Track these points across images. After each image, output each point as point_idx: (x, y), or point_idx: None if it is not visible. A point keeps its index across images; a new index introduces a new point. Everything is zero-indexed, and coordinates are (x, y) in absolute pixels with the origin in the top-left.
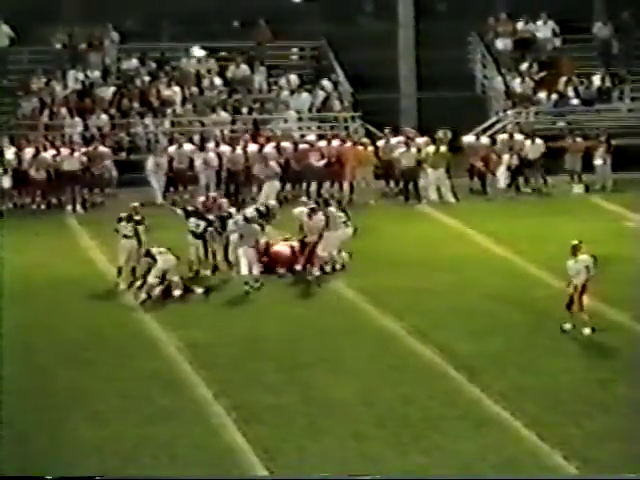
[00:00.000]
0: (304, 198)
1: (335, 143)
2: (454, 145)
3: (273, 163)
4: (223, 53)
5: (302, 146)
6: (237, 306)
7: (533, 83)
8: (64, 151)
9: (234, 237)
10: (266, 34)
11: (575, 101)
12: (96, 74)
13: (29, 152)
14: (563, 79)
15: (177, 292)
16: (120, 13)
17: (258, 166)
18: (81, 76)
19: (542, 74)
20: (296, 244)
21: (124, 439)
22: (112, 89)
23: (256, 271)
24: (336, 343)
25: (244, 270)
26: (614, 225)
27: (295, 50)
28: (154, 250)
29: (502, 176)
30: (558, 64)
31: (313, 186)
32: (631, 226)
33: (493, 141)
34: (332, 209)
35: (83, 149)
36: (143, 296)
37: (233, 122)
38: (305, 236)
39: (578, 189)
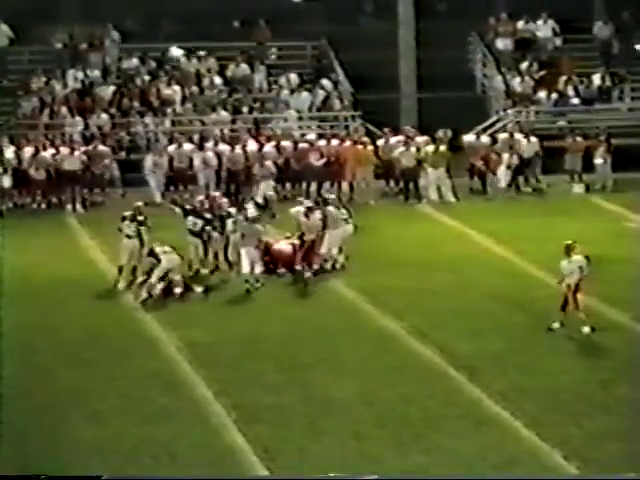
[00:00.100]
0: (301, 197)
1: (334, 142)
2: (454, 144)
3: (269, 163)
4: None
5: (302, 145)
6: (237, 306)
7: (533, 82)
8: (64, 150)
9: (234, 237)
10: (266, 34)
11: (575, 100)
12: (96, 73)
13: (29, 151)
14: (563, 78)
15: (177, 290)
16: (120, 13)
17: (256, 165)
18: (81, 75)
19: (542, 73)
20: (297, 242)
21: (124, 439)
22: (112, 88)
23: (258, 270)
24: (336, 343)
25: (245, 269)
26: (614, 225)
27: (274, 50)
28: (158, 249)
29: (503, 175)
30: (558, 64)
31: (313, 186)
32: (631, 226)
33: (493, 140)
34: (331, 208)
35: (83, 148)
36: (144, 295)
37: (233, 121)
38: (303, 234)
39: (578, 189)
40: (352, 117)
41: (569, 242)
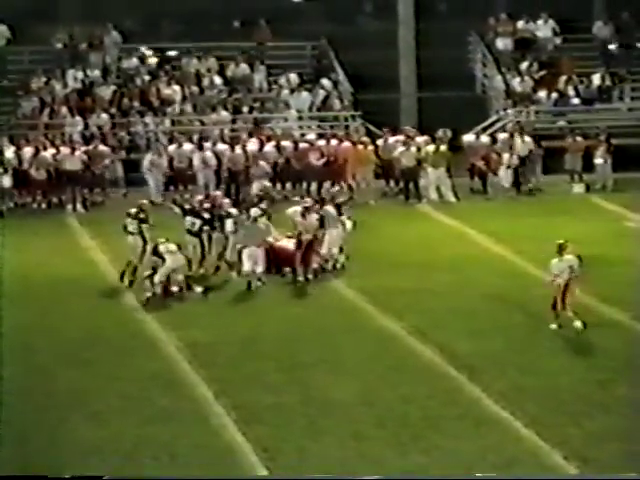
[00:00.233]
0: (297, 197)
1: (333, 142)
2: (454, 144)
3: (263, 163)
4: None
5: (302, 145)
6: (237, 306)
7: (533, 82)
8: (65, 150)
9: (234, 237)
10: (266, 34)
11: (575, 100)
12: (96, 73)
13: (29, 151)
14: (563, 78)
15: (175, 288)
16: (120, 13)
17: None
18: (80, 75)
19: (542, 73)
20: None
21: (124, 439)
22: (112, 88)
23: (259, 270)
24: (336, 343)
25: (247, 267)
26: (614, 225)
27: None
28: (162, 248)
29: (504, 175)
30: (558, 63)
31: (313, 185)
32: (631, 226)
33: (493, 140)
34: (328, 207)
35: (83, 148)
36: (148, 294)
37: (233, 121)
38: (300, 233)
39: (578, 189)
40: (352, 117)
41: (561, 241)
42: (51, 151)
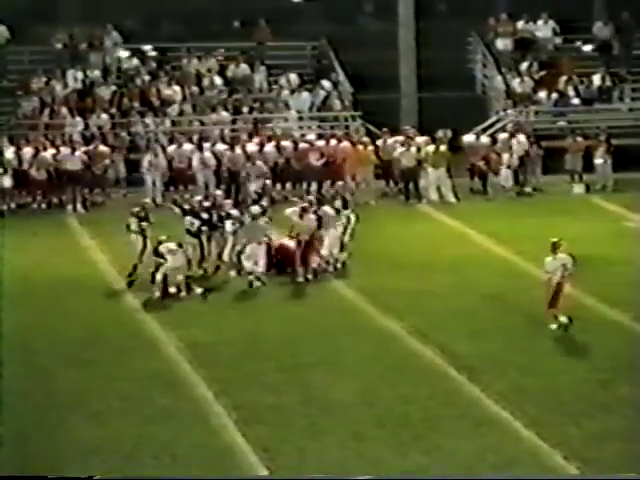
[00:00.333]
0: (296, 198)
1: (332, 142)
2: (454, 145)
3: (259, 163)
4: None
5: (302, 145)
6: (237, 306)
7: (533, 83)
8: (65, 150)
9: (233, 238)
10: (266, 34)
11: (575, 101)
12: (96, 73)
13: (29, 152)
14: (563, 78)
15: (172, 289)
16: (120, 13)
17: (247, 165)
18: (80, 75)
19: (542, 73)
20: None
21: (124, 439)
22: (112, 88)
23: (259, 269)
24: (336, 343)
25: (247, 266)
26: (614, 225)
27: (222, 51)
28: (163, 248)
29: (505, 175)
30: (558, 64)
31: (313, 186)
32: (631, 226)
33: (493, 140)
34: (326, 208)
35: (84, 148)
36: (157, 294)
37: (234, 122)
38: (298, 234)
39: (578, 189)
40: (352, 117)
41: (555, 239)
42: (51, 151)
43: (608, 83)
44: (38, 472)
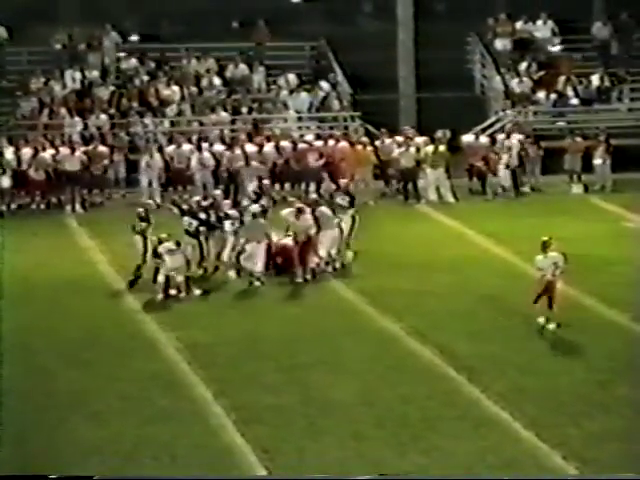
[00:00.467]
0: (292, 198)
1: (331, 143)
2: (453, 145)
3: (255, 163)
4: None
5: (301, 146)
6: (237, 306)
7: (532, 83)
8: (64, 151)
9: (233, 238)
10: (265, 34)
11: (574, 101)
12: (95, 74)
13: (28, 152)
14: (562, 79)
15: (173, 291)
16: (119, 13)
17: (240, 164)
18: (78, 75)
19: (541, 74)
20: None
21: (124, 439)
22: (111, 88)
23: (258, 269)
24: (335, 343)
25: (247, 265)
26: (613, 225)
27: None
28: (161, 249)
29: (503, 175)
30: (557, 64)
31: (312, 186)
32: (630, 226)
33: (492, 141)
34: (323, 208)
35: (83, 149)
36: (160, 296)
37: (233, 122)
38: (295, 234)
39: (577, 189)
40: (351, 118)
41: (545, 238)
42: (50, 152)
43: (607, 83)
44: (38, 472)
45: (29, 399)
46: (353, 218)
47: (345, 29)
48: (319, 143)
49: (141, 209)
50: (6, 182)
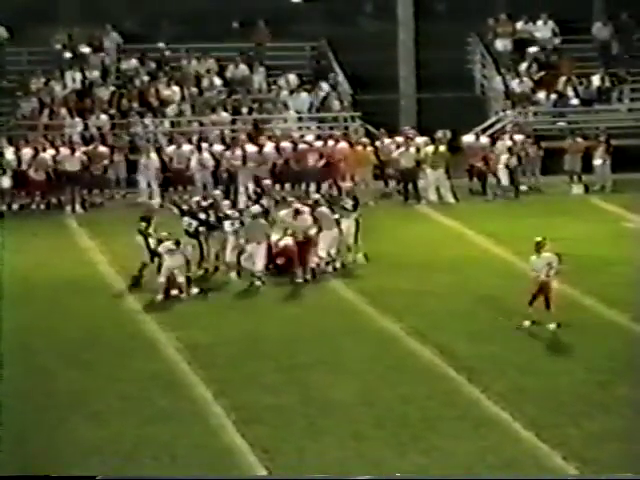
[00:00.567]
0: (291, 198)
1: (330, 143)
2: (453, 145)
3: (251, 164)
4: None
5: (301, 146)
6: (236, 306)
7: (532, 83)
8: (64, 151)
9: (233, 239)
10: (265, 35)
11: (574, 101)
12: (95, 74)
13: (28, 152)
14: (562, 79)
15: (175, 292)
16: (119, 14)
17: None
18: (79, 76)
19: (541, 74)
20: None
21: (124, 439)
22: (111, 89)
23: (259, 267)
24: (335, 344)
25: (247, 265)
26: (613, 226)
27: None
28: (161, 249)
29: (502, 172)
30: (557, 64)
31: (312, 186)
32: (630, 227)
33: (493, 141)
34: (323, 209)
35: (83, 149)
36: (160, 296)
37: (233, 122)
38: (294, 235)
39: (577, 189)
40: (351, 118)
41: (539, 239)
42: (50, 152)
43: (607, 84)
44: (38, 472)
45: (29, 399)
46: (357, 221)
47: (345, 29)
48: (319, 143)
49: (145, 209)
50: (6, 182)
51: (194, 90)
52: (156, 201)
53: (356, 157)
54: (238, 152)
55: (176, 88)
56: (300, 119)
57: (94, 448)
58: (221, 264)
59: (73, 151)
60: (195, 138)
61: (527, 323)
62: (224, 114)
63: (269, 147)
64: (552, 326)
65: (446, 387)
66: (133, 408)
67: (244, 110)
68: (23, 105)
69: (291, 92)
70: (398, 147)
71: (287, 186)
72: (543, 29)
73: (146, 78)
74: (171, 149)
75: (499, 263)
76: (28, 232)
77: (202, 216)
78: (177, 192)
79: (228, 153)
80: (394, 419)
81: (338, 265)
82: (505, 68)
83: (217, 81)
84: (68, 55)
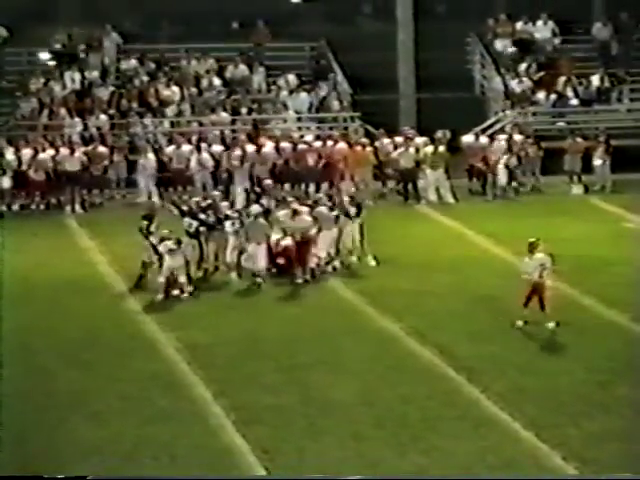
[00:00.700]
0: (290, 198)
1: (329, 143)
2: (453, 145)
3: (247, 164)
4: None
5: (301, 147)
6: (236, 307)
7: (532, 83)
8: (64, 151)
9: (233, 239)
10: (265, 35)
11: (574, 101)
12: (95, 74)
13: (28, 153)
14: (562, 79)
15: (175, 292)
16: (119, 14)
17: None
18: (78, 76)
19: (541, 74)
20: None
21: (124, 439)
22: (110, 89)
23: (261, 265)
24: (335, 344)
25: (248, 265)
26: (613, 226)
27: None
28: (162, 248)
29: (501, 172)
30: (557, 64)
31: (311, 187)
32: (630, 227)
33: (492, 141)
34: (322, 209)
35: (82, 149)
36: (160, 297)
37: (233, 122)
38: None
39: (577, 190)
40: (351, 118)
41: (532, 240)
42: (50, 152)
43: (607, 84)
44: (38, 472)
45: (29, 399)
46: (361, 226)
47: (345, 30)
48: (318, 144)
49: (147, 208)
50: (6, 183)
51: (194, 90)
52: (154, 201)
53: (355, 157)
54: (238, 152)
55: (176, 88)
56: (300, 119)
57: (94, 448)
58: (221, 264)
59: (73, 151)
60: (195, 138)
61: (520, 323)
62: (224, 114)
63: (269, 147)
64: (551, 325)
65: (446, 387)
66: (133, 408)
67: (243, 110)
68: (23, 105)
69: (290, 92)
70: (396, 147)
71: (287, 186)
72: (543, 29)
73: (146, 78)
74: (171, 149)
75: (499, 263)
76: (28, 232)
77: (202, 216)
78: (176, 192)
79: (227, 153)
80: (394, 419)
81: (337, 265)
82: (505, 68)
83: (217, 81)
84: (49, 60)
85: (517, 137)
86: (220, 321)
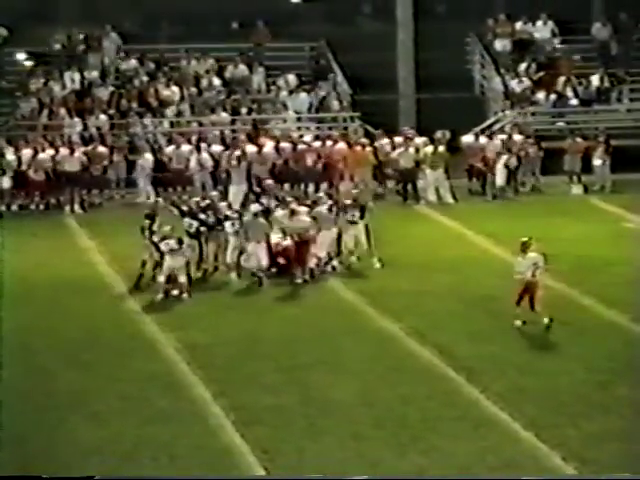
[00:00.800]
0: (289, 198)
1: (328, 143)
2: (452, 145)
3: (244, 164)
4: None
5: (300, 147)
6: (236, 307)
7: (531, 83)
8: (63, 151)
9: (233, 239)
10: (265, 35)
11: (574, 101)
12: (94, 74)
13: (27, 153)
14: (562, 79)
15: (175, 292)
16: (119, 14)
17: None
18: (78, 76)
19: (541, 74)
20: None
21: (124, 440)
22: (110, 89)
23: (264, 262)
24: (335, 344)
25: (248, 265)
26: (613, 226)
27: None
28: (163, 247)
29: (500, 172)
30: (557, 64)
31: (311, 187)
32: (630, 227)
33: (491, 141)
34: (322, 209)
35: (82, 149)
36: (160, 296)
37: (232, 122)
38: (292, 236)
39: (577, 190)
40: (351, 118)
41: (525, 239)
42: (50, 152)
43: (606, 84)
44: (38, 472)
45: (29, 399)
46: (366, 226)
47: (345, 30)
48: (317, 144)
49: (150, 207)
50: (6, 183)
51: (193, 90)
52: (158, 200)
53: (355, 157)
54: (237, 152)
55: (175, 88)
56: (299, 119)
57: (94, 448)
58: (220, 264)
59: (72, 151)
60: (194, 138)
61: (518, 323)
62: (223, 114)
63: (268, 147)
64: (546, 320)
65: (446, 387)
66: (133, 408)
67: (243, 110)
68: (22, 105)
69: (290, 92)
70: (394, 147)
71: (286, 186)
72: (542, 29)
73: (145, 78)
74: (170, 149)
75: (499, 263)
76: (28, 232)
77: (202, 217)
78: (176, 192)
79: (227, 153)
80: (394, 419)
81: (337, 265)
82: (504, 68)
83: (216, 81)
84: (25, 61)
85: (517, 137)
86: (220, 321)
